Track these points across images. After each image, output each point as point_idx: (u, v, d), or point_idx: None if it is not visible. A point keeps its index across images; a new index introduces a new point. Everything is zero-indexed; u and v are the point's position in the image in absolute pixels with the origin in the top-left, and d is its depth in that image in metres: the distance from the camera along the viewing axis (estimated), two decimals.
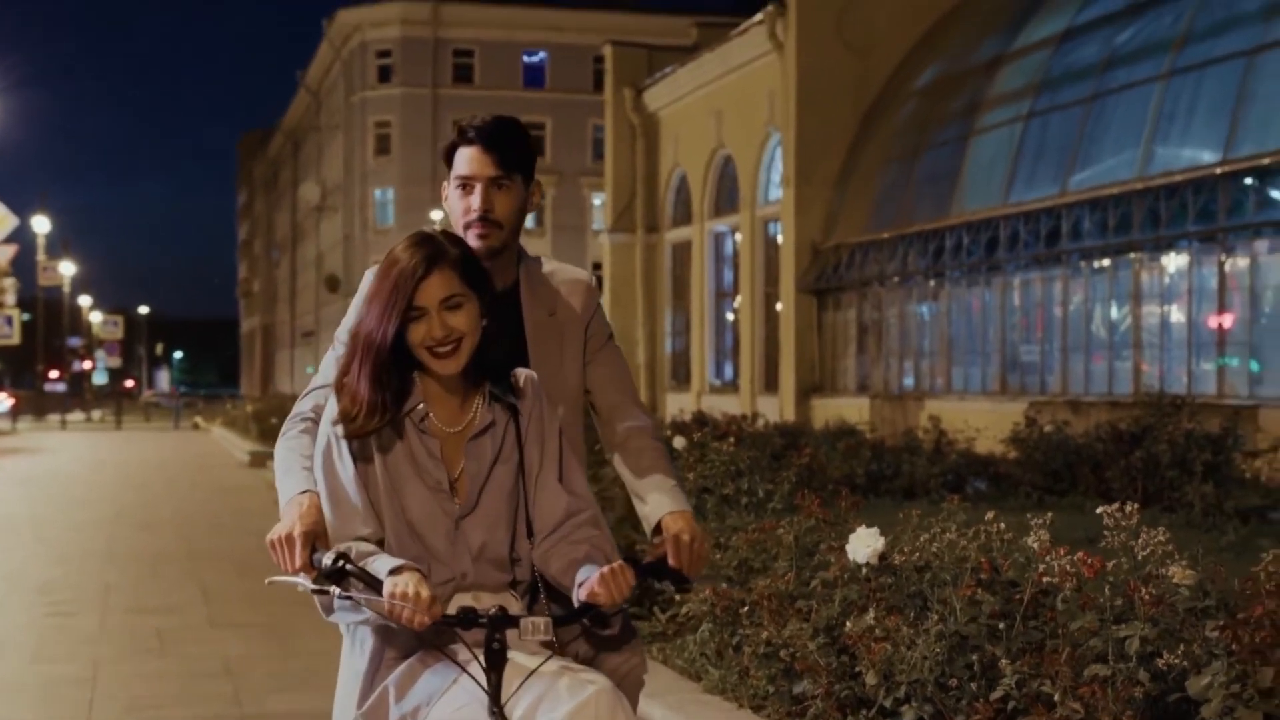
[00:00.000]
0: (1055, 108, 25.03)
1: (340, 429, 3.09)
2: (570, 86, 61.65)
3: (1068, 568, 4.76)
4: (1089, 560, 4.68)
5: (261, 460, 27.53)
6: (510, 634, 2.91)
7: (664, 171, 40.38)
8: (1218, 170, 20.39)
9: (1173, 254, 22.06)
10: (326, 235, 71.90)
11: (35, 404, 63.59)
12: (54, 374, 76.02)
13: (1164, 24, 23.23)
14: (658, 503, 3.38)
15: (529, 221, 3.79)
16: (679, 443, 11.31)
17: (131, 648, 8.94)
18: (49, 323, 68.98)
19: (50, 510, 18.79)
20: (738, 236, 36.39)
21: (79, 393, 78.08)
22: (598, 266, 44.28)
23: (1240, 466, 13.52)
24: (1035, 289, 25.23)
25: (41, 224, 56.58)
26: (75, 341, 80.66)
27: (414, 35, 62.72)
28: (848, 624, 5.32)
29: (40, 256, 57.49)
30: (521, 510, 3.19)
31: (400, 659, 3.05)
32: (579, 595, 3.00)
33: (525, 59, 63.71)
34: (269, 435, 32.93)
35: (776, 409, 29.31)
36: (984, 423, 17.77)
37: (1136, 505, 4.84)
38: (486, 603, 3.02)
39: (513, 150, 3.48)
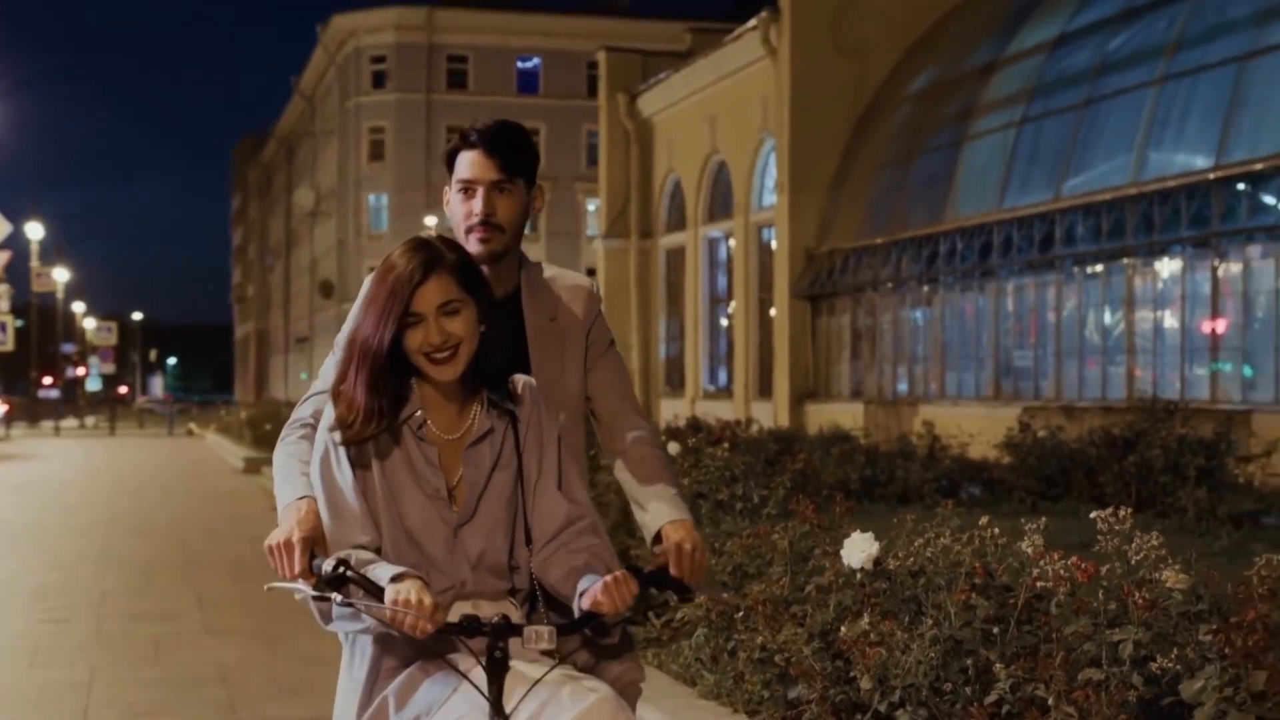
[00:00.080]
0: (1049, 113, 25.08)
1: (337, 435, 3.06)
2: (564, 92, 61.69)
3: (1062, 572, 4.76)
4: (1083, 565, 4.69)
5: (256, 466, 27.51)
6: (512, 643, 2.89)
7: (658, 177, 40.40)
8: (1211, 176, 20.43)
9: (1166, 259, 22.10)
10: (320, 241, 71.88)
11: (29, 410, 63.55)
12: (47, 380, 75.91)
13: (1157, 30, 23.29)
14: (658, 511, 3.37)
15: None
16: (673, 448, 11.32)
17: (127, 654, 8.95)
18: (43, 329, 68.90)
19: (45, 516, 18.78)
20: (732, 242, 36.41)
21: (72, 399, 77.95)
22: (592, 272, 44.29)
23: (1233, 471, 13.53)
24: (1029, 294, 25.27)
25: (35, 230, 56.50)
26: (69, 348, 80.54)
27: (408, 41, 62.74)
28: (842, 629, 5.33)
29: (34, 262, 57.40)
30: (520, 518, 3.16)
31: (400, 668, 3.03)
32: (581, 604, 2.98)
33: (519, 65, 63.73)
34: (263, 441, 32.92)
35: (771, 414, 29.35)
36: (978, 428, 17.78)
37: (1130, 510, 4.85)
38: (486, 611, 2.99)
39: (515, 154, 3.46)
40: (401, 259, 3.07)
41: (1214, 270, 20.96)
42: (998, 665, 4.76)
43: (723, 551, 7.34)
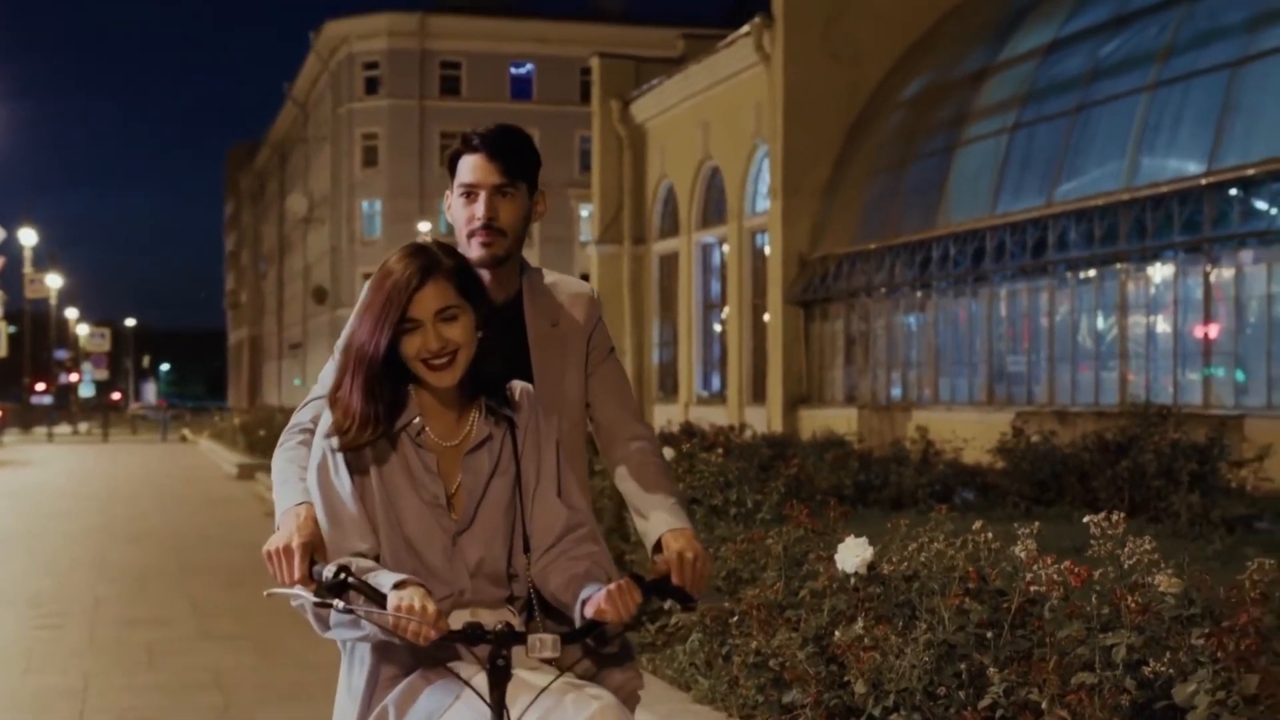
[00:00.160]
0: (1041, 119, 25.12)
1: (334, 442, 3.04)
2: (557, 98, 61.70)
3: (1055, 577, 4.78)
4: (1076, 569, 4.71)
5: (250, 472, 27.50)
6: (514, 651, 2.87)
7: (651, 183, 40.42)
8: (1203, 181, 20.47)
9: (1158, 264, 22.14)
10: (314, 247, 71.83)
11: (22, 417, 63.46)
12: (40, 387, 75.83)
13: (1149, 36, 23.34)
14: (659, 520, 3.35)
15: None
16: (668, 454, 11.31)
17: (121, 660, 8.95)
18: (36, 335, 68.84)
19: (39, 523, 18.76)
20: (725, 248, 36.43)
21: (66, 405, 77.86)
22: (585, 278, 44.21)
23: (1226, 476, 13.56)
24: (1022, 299, 25.30)
25: (28, 236, 56.51)
26: (62, 354, 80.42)
27: (401, 47, 62.73)
28: (836, 633, 5.35)
29: (27, 269, 57.38)
30: (518, 525, 3.14)
31: (399, 676, 3.00)
32: (584, 612, 2.95)
33: (512, 71, 63.74)
34: (257, 447, 32.91)
35: (764, 420, 29.34)
36: (971, 433, 17.81)
37: (1123, 515, 4.87)
38: (484, 619, 2.97)
39: (517, 158, 3.45)
40: (398, 264, 3.04)
41: (1206, 275, 21.00)
42: (991, 669, 4.77)
43: (717, 556, 7.35)
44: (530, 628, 3.06)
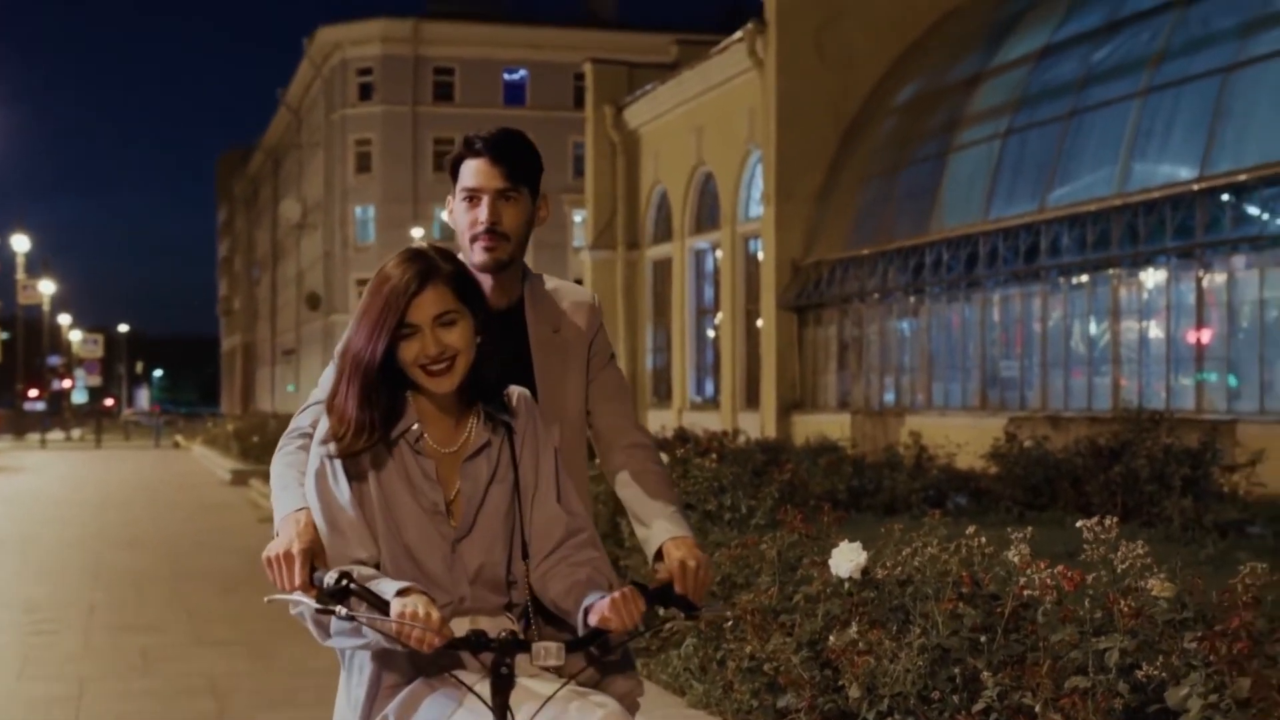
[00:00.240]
0: (1034, 124, 25.17)
1: (331, 448, 3.02)
2: (551, 104, 61.72)
3: (1048, 581, 4.80)
4: (1069, 574, 4.73)
5: (243, 478, 27.49)
6: (518, 659, 2.84)
7: (644, 188, 40.45)
8: (1195, 186, 20.52)
9: (1151, 270, 22.18)
10: (307, 253, 71.81)
11: (14, 423, 63.38)
12: (33, 393, 75.66)
13: (1141, 41, 23.39)
14: (660, 528, 3.33)
15: None
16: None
17: (116, 665, 8.95)
18: (28, 341, 68.74)
19: (32, 529, 18.74)
20: (718, 253, 36.46)
21: (58, 411, 77.77)
22: (579, 283, 44.31)
23: (1218, 481, 13.57)
24: (1015, 305, 25.34)
25: (21, 242, 56.51)
26: (55, 360, 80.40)
27: (394, 53, 62.74)
28: (831, 638, 5.36)
29: (20, 275, 57.37)
30: (517, 531, 3.11)
31: (400, 685, 2.98)
32: (589, 620, 2.93)
33: (506, 77, 63.77)
34: (250, 453, 32.89)
35: (757, 425, 29.36)
36: (964, 438, 17.82)
37: (1116, 519, 4.89)
38: (483, 626, 2.94)
39: (520, 162, 3.42)
40: (396, 270, 3.01)
41: (1199, 281, 21.04)
42: (985, 673, 4.79)
43: (711, 562, 7.36)
44: (528, 635, 3.05)
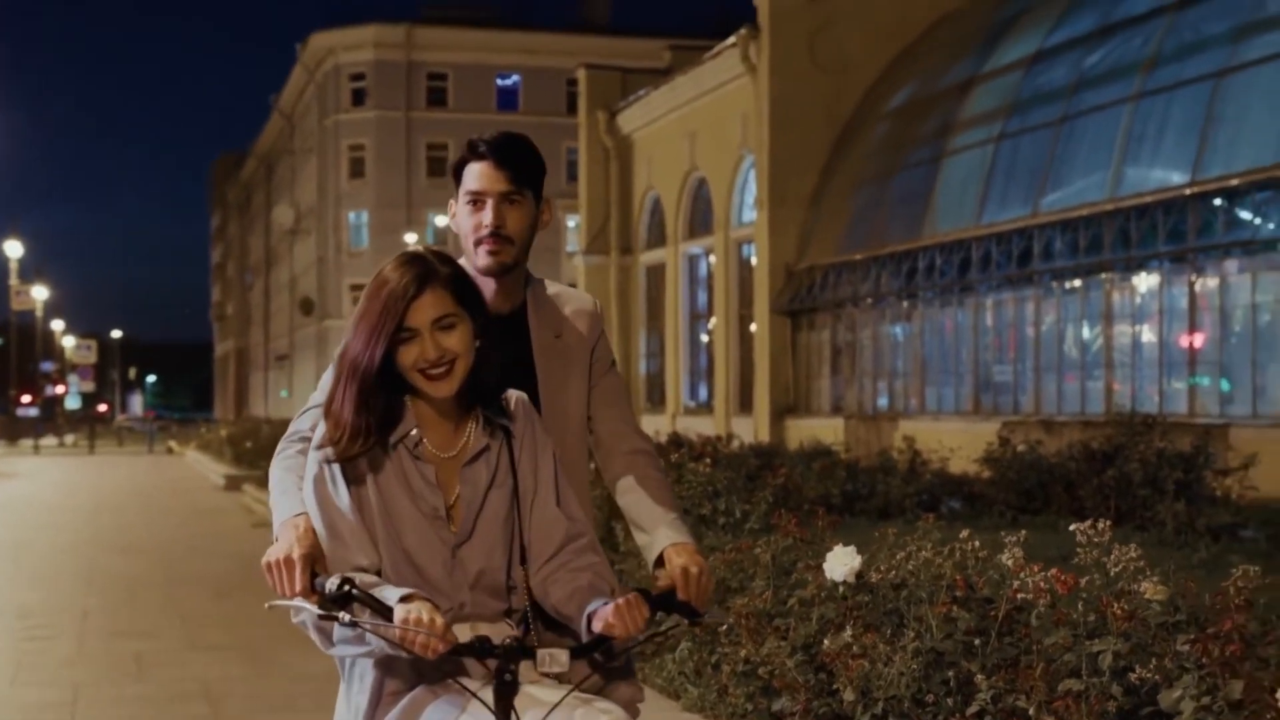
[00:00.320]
0: (1026, 129, 25.21)
1: (328, 453, 2.99)
2: (544, 109, 61.72)
3: (1042, 584, 4.81)
4: (1063, 577, 4.74)
5: (237, 484, 27.48)
6: (521, 665, 2.82)
7: (638, 194, 40.47)
8: (1187, 191, 20.56)
9: (1143, 274, 22.22)
10: (300, 258, 71.77)
11: (8, 429, 63.31)
12: (26, 399, 75.69)
13: (1133, 46, 23.44)
14: (661, 534, 3.32)
15: None
16: None
17: (110, 671, 8.94)
18: (22, 347, 68.72)
19: (26, 534, 18.73)
20: (712, 258, 36.48)
21: (52, 417, 77.63)
22: (572, 287, 44.28)
23: (1211, 485, 13.59)
24: (1008, 309, 25.38)
25: (14, 248, 56.48)
26: (48, 366, 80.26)
27: (387, 59, 62.73)
28: (825, 641, 5.37)
29: (13, 281, 57.33)
30: (516, 536, 3.10)
31: (403, 692, 2.95)
32: (593, 627, 2.91)
33: (499, 82, 63.78)
34: (244, 459, 32.88)
35: (751, 430, 29.38)
36: (958, 442, 17.83)
37: (1109, 523, 4.91)
38: (483, 632, 2.92)
39: (524, 165, 3.39)
40: (394, 273, 2.98)
41: (1191, 285, 21.08)
42: (979, 677, 4.80)
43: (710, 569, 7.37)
44: (527, 640, 3.02)
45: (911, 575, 5.35)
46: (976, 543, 5.31)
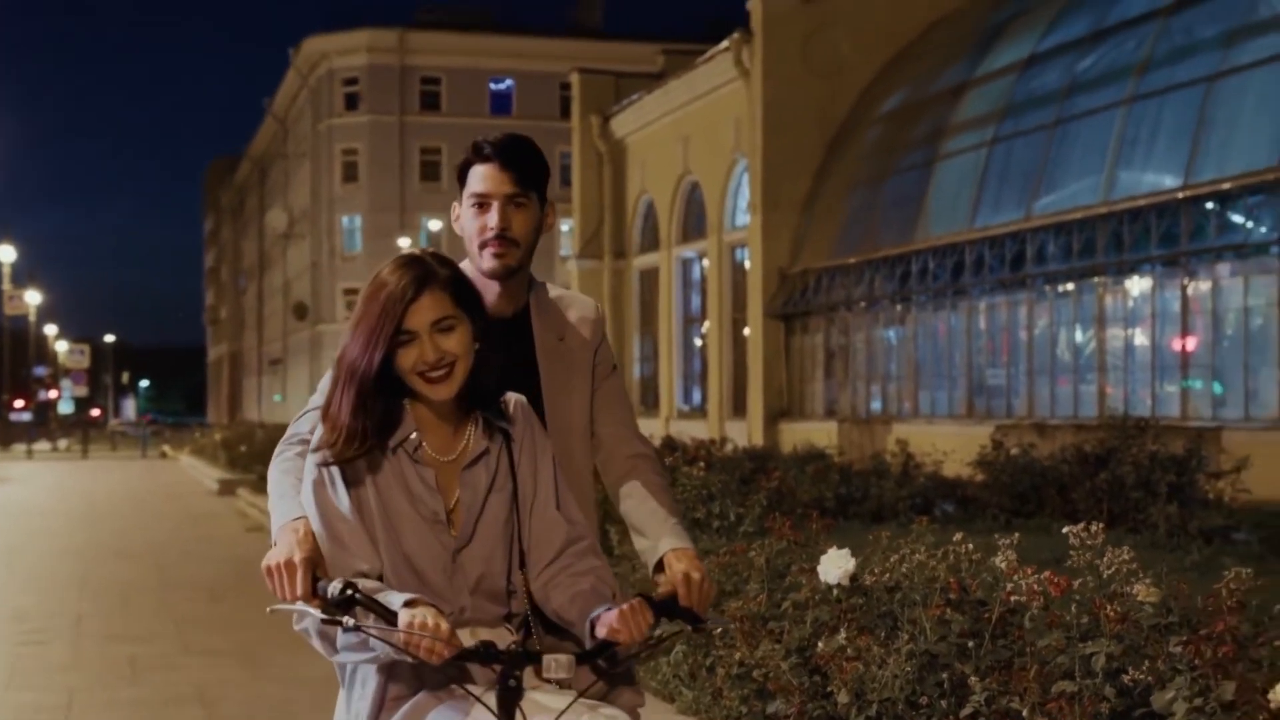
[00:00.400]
0: (1019, 133, 25.25)
1: (326, 455, 2.96)
2: (537, 114, 61.72)
3: (1035, 587, 4.83)
4: (1056, 579, 4.75)
5: (231, 488, 27.45)
6: (525, 671, 2.79)
7: (631, 198, 40.50)
8: (1180, 195, 20.60)
9: (1136, 278, 22.27)
10: (294, 262, 71.73)
11: (0, 434, 63.19)
12: (19, 403, 75.48)
13: (1126, 50, 23.48)
14: (662, 540, 3.29)
15: None
16: None
17: (104, 675, 8.94)
18: (15, 352, 68.59)
19: (20, 539, 18.71)
20: (705, 262, 36.51)
21: (45, 422, 77.57)
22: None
23: (1204, 487, 13.62)
24: (1001, 313, 25.41)
25: (7, 253, 56.38)
26: (41, 370, 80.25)
27: (381, 63, 62.74)
28: (819, 644, 5.39)
29: (6, 285, 57.24)
30: (516, 540, 3.06)
31: (406, 697, 2.91)
32: (597, 633, 2.90)
33: (492, 86, 63.80)
34: (237, 463, 32.85)
35: (745, 434, 29.40)
36: (951, 446, 17.86)
37: (1102, 526, 4.92)
38: (483, 637, 2.88)
39: (529, 168, 3.36)
40: (392, 276, 2.94)
41: (1183, 288, 21.12)
42: (973, 679, 4.82)
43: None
44: (528, 645, 3.00)
45: (905, 578, 5.37)
46: (970, 546, 5.33)
